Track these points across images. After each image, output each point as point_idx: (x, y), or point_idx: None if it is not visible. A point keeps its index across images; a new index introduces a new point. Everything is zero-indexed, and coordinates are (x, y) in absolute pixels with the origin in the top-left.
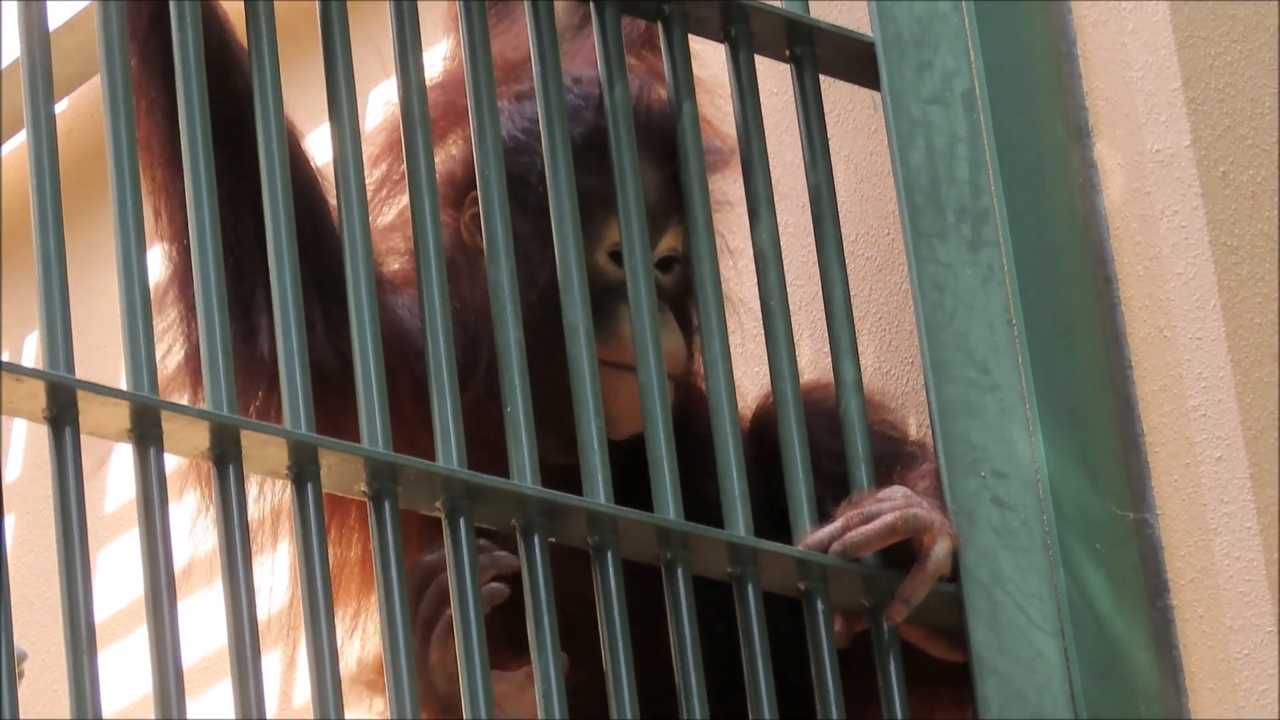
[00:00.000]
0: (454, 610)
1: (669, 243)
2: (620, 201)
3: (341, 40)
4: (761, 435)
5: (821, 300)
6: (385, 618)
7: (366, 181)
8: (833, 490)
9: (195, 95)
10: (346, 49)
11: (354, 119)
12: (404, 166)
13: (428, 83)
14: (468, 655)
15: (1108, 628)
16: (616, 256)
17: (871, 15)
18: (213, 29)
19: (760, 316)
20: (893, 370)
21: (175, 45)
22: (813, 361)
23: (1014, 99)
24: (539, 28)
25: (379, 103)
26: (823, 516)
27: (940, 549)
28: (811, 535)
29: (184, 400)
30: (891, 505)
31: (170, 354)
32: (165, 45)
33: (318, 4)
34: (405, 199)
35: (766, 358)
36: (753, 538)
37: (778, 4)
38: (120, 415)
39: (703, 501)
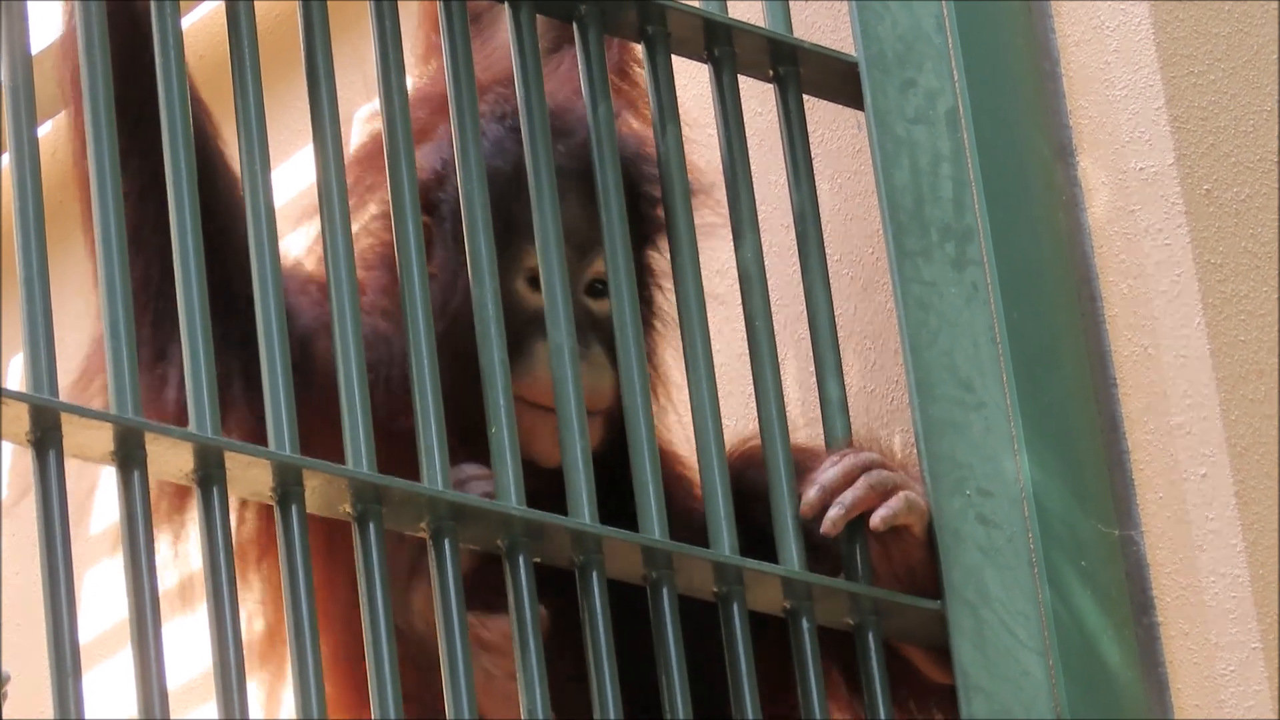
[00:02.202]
0: (439, 632)
1: (600, 268)
2: (605, 226)
3: (324, 63)
4: (735, 480)
5: (806, 320)
6: (370, 639)
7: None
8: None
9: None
10: (329, 72)
11: (337, 139)
12: (369, 181)
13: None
14: (453, 678)
15: (1094, 645)
16: (535, 282)
17: (855, 35)
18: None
19: (743, 336)
20: (877, 389)
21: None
22: (798, 381)
23: (997, 118)
24: (521, 43)
25: (361, 123)
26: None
27: (906, 497)
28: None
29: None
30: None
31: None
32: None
33: (300, 22)
34: (372, 208)
35: (751, 378)
36: (737, 556)
37: (760, 25)
38: (104, 438)
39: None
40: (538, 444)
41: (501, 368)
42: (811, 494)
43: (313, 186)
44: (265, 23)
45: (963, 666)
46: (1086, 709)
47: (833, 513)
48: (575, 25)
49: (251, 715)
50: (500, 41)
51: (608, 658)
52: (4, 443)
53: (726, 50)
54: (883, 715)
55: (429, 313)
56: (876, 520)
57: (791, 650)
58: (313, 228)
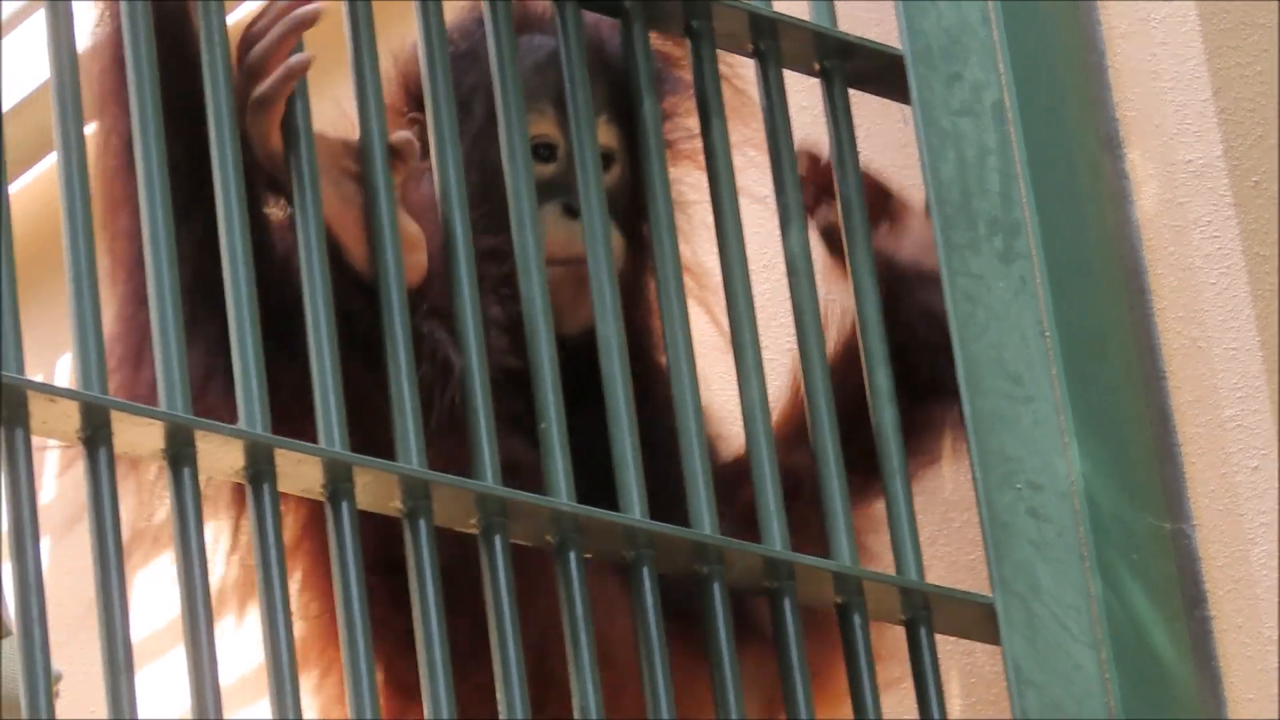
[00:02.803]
0: (491, 629)
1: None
2: (653, 225)
3: (369, 60)
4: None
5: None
6: (422, 636)
7: None
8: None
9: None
10: (374, 67)
11: (383, 133)
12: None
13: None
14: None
15: (1146, 639)
16: (535, 150)
17: (900, 28)
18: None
19: (790, 331)
20: None
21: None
22: None
23: (1044, 110)
24: (568, 41)
25: None
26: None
27: None
28: None
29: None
30: None
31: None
32: None
33: (346, 19)
34: None
35: (801, 371)
36: (788, 551)
37: (806, 18)
38: (154, 435)
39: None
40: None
41: (550, 364)
42: None
43: None
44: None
45: (1015, 660)
46: (1139, 703)
47: None
48: (621, 21)
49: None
50: None
51: (660, 655)
52: (52, 441)
53: (772, 45)
54: (935, 713)
55: (478, 312)
56: None
57: (842, 646)
58: None
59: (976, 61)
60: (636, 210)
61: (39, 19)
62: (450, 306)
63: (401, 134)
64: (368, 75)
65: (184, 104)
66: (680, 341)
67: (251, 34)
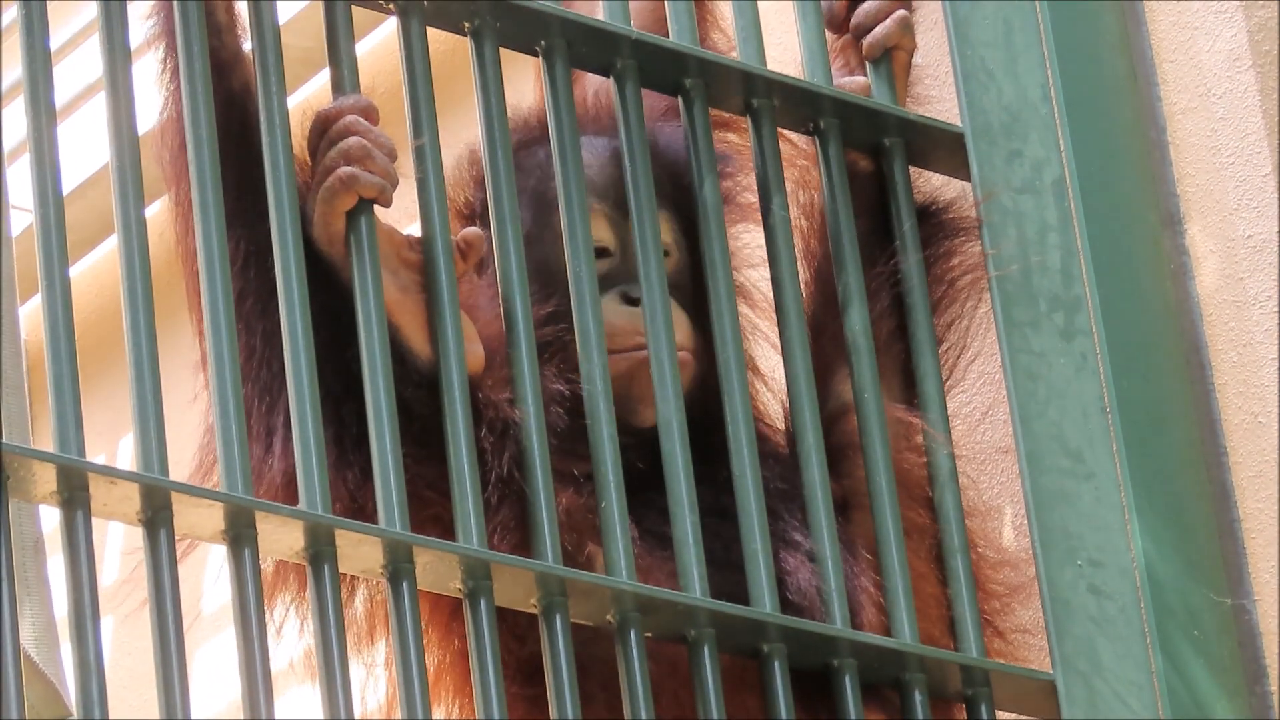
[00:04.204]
0: (551, 705)
1: None
2: (711, 277)
3: (429, 119)
4: None
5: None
6: (482, 714)
7: None
8: None
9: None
10: (433, 124)
11: (441, 191)
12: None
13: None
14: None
15: (1207, 715)
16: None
17: (961, 106)
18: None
19: None
20: (987, 461)
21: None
22: None
23: (1104, 187)
24: (627, 117)
25: None
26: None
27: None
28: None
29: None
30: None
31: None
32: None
33: (405, 82)
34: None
35: (861, 449)
36: (849, 629)
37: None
38: (215, 517)
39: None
40: (636, 389)
41: (611, 443)
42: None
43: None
44: (366, 79)
45: None
46: None
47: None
48: (680, 99)
49: None
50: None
51: None
52: (115, 523)
53: (832, 122)
54: None
55: (539, 390)
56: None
57: None
58: None
59: (1037, 138)
60: (701, 294)
61: (98, 102)
62: (510, 386)
63: (471, 230)
64: (430, 167)
65: (248, 186)
66: (741, 419)
67: (324, 118)
